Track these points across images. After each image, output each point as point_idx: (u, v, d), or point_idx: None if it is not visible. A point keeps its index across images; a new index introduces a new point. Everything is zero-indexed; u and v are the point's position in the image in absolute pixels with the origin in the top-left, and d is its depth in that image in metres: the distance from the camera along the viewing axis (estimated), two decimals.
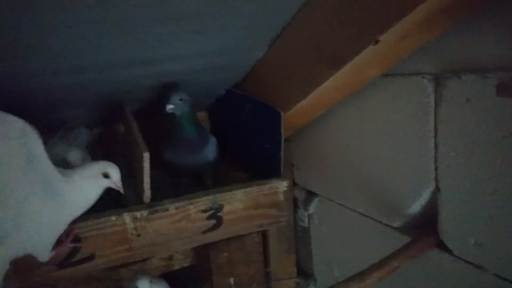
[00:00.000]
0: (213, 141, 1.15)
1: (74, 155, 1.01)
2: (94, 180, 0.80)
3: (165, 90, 1.07)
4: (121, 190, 0.84)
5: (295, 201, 1.39)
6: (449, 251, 0.86)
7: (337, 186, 1.17)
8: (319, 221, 1.31)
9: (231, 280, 1.25)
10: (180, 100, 1.04)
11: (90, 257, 0.91)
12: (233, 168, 1.27)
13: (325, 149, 1.18)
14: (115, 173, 0.82)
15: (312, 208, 1.31)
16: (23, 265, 0.83)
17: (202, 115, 1.45)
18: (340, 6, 0.76)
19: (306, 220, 1.35)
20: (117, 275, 1.17)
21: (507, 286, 0.75)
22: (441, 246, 0.87)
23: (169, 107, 1.03)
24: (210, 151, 1.14)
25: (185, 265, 1.29)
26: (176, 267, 1.26)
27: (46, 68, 0.86)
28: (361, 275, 0.81)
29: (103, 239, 0.91)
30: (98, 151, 1.24)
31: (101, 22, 0.73)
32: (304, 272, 1.45)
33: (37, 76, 0.88)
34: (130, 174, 1.11)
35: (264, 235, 1.27)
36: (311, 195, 1.31)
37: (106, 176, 0.81)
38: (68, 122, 1.16)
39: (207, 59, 1.01)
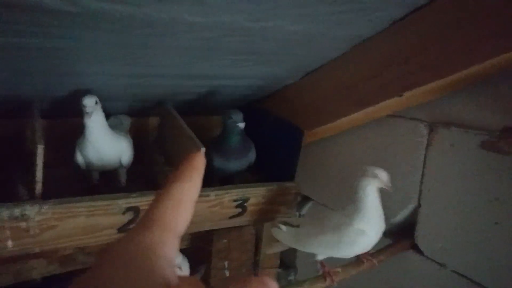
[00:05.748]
0: (253, 146, 1.33)
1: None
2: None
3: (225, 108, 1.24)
4: (390, 189, 0.98)
5: None
6: (421, 252, 1.14)
7: (332, 195, 1.41)
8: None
9: (226, 263, 1.43)
10: (244, 119, 1.20)
11: None
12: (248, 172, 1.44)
13: (325, 164, 1.42)
14: (384, 176, 0.99)
15: (304, 210, 1.55)
16: None
17: (215, 120, 1.66)
18: (371, 67, 1.01)
19: None
20: None
21: (461, 279, 1.04)
22: (415, 248, 1.15)
23: (242, 125, 1.18)
24: (252, 155, 1.33)
25: (183, 247, 1.44)
26: None
27: (133, 71, 1.03)
28: (357, 262, 1.08)
29: None
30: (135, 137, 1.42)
31: (198, 48, 0.91)
32: (285, 264, 1.69)
33: (124, 77, 1.05)
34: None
35: (258, 228, 1.45)
36: (305, 199, 1.54)
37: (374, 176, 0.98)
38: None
39: (251, 80, 1.22)
